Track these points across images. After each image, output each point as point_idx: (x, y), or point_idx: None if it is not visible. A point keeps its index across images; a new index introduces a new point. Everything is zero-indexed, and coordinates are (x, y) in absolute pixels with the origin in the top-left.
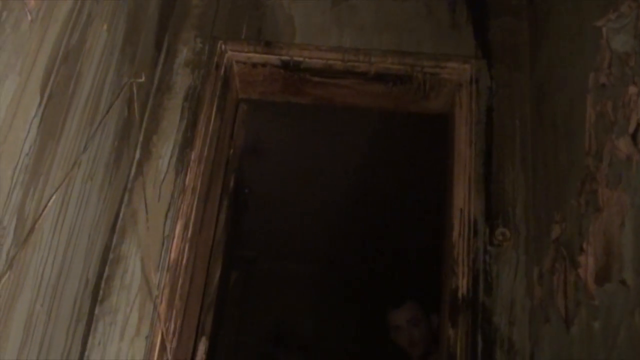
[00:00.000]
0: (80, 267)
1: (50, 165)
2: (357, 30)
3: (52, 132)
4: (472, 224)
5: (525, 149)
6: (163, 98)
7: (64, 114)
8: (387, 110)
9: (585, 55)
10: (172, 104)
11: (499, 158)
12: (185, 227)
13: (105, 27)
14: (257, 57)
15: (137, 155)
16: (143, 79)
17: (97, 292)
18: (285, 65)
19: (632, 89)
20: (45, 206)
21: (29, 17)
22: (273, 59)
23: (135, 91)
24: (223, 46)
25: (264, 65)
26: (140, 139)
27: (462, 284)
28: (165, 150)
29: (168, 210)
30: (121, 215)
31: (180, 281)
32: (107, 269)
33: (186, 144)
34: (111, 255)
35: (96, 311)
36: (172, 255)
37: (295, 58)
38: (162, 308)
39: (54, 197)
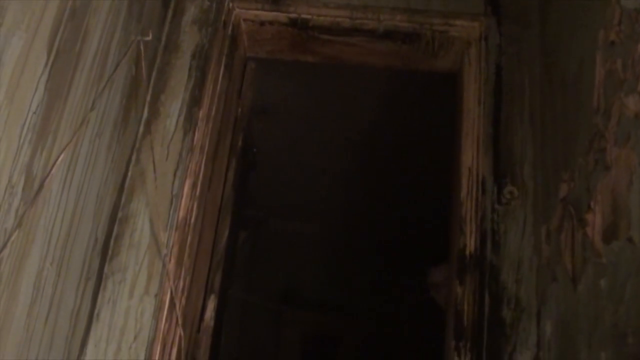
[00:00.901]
0: (89, 226)
1: (58, 124)
2: None
3: (59, 90)
4: (481, 182)
5: (534, 107)
6: (171, 56)
7: (71, 72)
8: (395, 69)
9: (595, 13)
10: (179, 63)
11: (508, 117)
12: (194, 185)
13: None
14: (264, 15)
15: (145, 114)
16: (150, 37)
17: (106, 251)
18: (293, 22)
19: None
20: (54, 165)
21: None
22: (281, 16)
23: (142, 49)
24: (231, 4)
25: (271, 23)
26: (148, 97)
27: (470, 242)
28: (173, 109)
29: (176, 169)
30: (129, 174)
31: (189, 239)
32: (116, 227)
33: (194, 102)
34: (120, 214)
35: (105, 269)
36: (181, 214)
37: (303, 15)
38: (171, 266)
39: (62, 156)
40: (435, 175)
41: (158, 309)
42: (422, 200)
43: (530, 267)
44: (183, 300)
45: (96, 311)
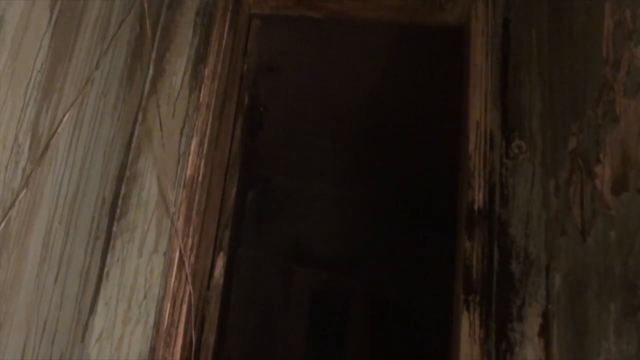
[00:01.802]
0: (97, 185)
1: (63, 83)
2: None
3: (63, 48)
4: (489, 137)
5: (542, 60)
6: (175, 14)
7: (74, 30)
8: (402, 23)
9: None
10: (184, 20)
11: (516, 70)
12: (201, 143)
13: None
14: None
15: (151, 72)
16: None
17: (115, 210)
18: None
19: None
20: (60, 123)
21: None
22: None
23: (146, 7)
24: None
25: None
26: (153, 55)
27: (479, 196)
28: (179, 66)
29: (183, 127)
30: (136, 133)
31: (197, 197)
32: (123, 186)
33: (199, 60)
34: (127, 173)
35: (114, 228)
36: (188, 172)
37: None
38: (180, 224)
39: (67, 115)
40: (443, 131)
41: (167, 266)
42: (431, 157)
43: (539, 220)
44: (192, 258)
45: (106, 270)
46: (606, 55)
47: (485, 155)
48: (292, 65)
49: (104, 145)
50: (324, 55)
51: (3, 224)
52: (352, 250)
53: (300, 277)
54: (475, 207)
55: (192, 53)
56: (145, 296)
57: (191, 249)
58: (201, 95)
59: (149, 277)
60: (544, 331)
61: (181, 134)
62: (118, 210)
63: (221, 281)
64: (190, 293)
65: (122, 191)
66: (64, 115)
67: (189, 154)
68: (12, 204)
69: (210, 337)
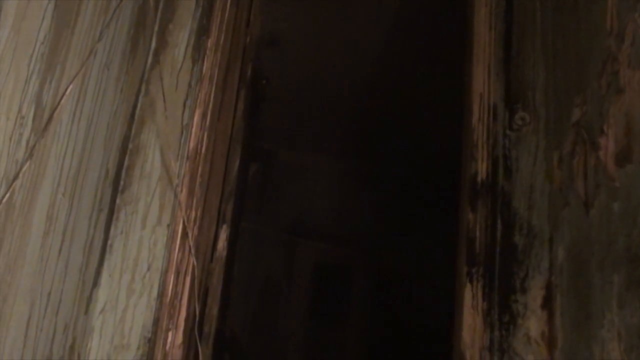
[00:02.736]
0: (100, 158)
1: (66, 55)
2: None
3: (66, 20)
4: (492, 108)
5: (546, 31)
6: None
7: (77, 1)
8: None
9: None
10: None
11: (519, 41)
12: (204, 115)
13: None
14: None
15: (153, 44)
16: None
17: (118, 182)
18: None
19: None
20: (63, 95)
21: None
22: None
23: None
24: None
25: None
26: (156, 27)
27: (482, 168)
28: (182, 38)
29: (186, 99)
30: (139, 105)
31: (200, 169)
32: (127, 158)
33: (202, 31)
34: (130, 145)
35: (117, 201)
36: (191, 144)
37: None
38: (183, 196)
39: (71, 87)
40: (446, 103)
41: (171, 239)
42: (434, 130)
43: (542, 192)
44: (195, 230)
45: (109, 242)
46: (610, 26)
47: (489, 127)
48: (295, 37)
49: (107, 117)
50: (326, 27)
51: (7, 195)
52: (355, 223)
53: (302, 250)
54: (479, 179)
55: (194, 25)
56: (148, 268)
57: (194, 221)
58: (204, 68)
59: (152, 249)
60: (547, 303)
61: (184, 106)
62: (121, 183)
63: (224, 253)
64: (193, 265)
65: (126, 163)
66: (67, 87)
67: (192, 126)
68: (16, 176)
69: (213, 309)
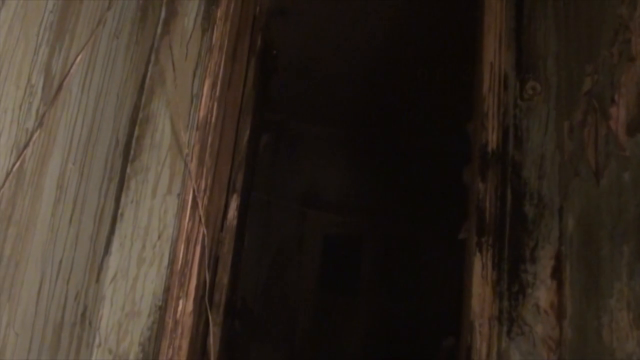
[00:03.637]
0: (110, 127)
1: (75, 23)
2: None
3: None
4: (503, 78)
5: (558, 0)
6: None
7: None
8: None
9: None
10: None
11: (530, 10)
12: (213, 85)
13: None
14: None
15: (163, 14)
16: None
17: (128, 152)
18: None
19: None
20: (72, 64)
21: None
22: None
23: None
24: None
25: None
26: None
27: (492, 138)
28: (191, 7)
29: (196, 68)
30: (149, 74)
31: (210, 139)
32: (137, 128)
33: (212, 0)
34: (140, 115)
35: (128, 170)
36: (201, 114)
37: None
38: (193, 166)
39: (80, 56)
40: (457, 72)
41: (181, 208)
42: (446, 100)
43: (553, 162)
44: (205, 200)
45: (120, 211)
46: None
47: (499, 97)
48: (305, 7)
49: (117, 87)
50: None
51: (18, 163)
52: (366, 193)
53: (313, 220)
54: (489, 148)
55: None
56: (159, 237)
57: (204, 190)
58: (214, 37)
59: (162, 218)
60: (557, 273)
61: (194, 75)
62: (132, 152)
63: (235, 223)
64: (203, 234)
65: (136, 133)
66: (76, 56)
67: (202, 95)
68: (27, 144)
69: (224, 278)
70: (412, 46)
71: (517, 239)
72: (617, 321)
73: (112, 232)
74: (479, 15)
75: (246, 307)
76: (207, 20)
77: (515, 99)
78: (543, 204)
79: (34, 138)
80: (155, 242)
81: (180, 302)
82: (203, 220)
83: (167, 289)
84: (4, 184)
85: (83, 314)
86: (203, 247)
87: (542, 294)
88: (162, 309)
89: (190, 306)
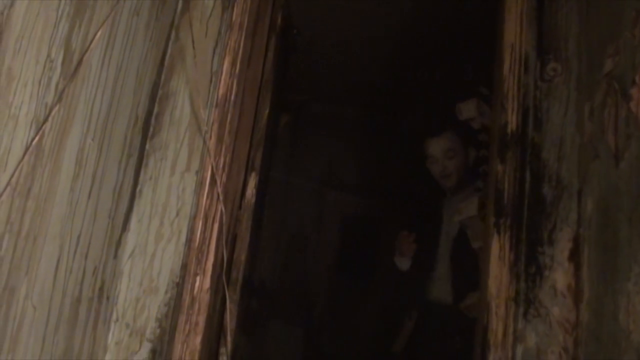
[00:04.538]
0: (130, 104)
1: None
2: None
3: None
4: (523, 59)
5: None
6: None
7: None
8: None
9: None
10: None
11: None
12: (233, 63)
13: None
14: None
15: None
16: None
17: (147, 128)
18: None
19: None
20: (92, 40)
21: None
22: None
23: None
24: None
25: None
26: None
27: (512, 119)
28: None
29: (216, 46)
30: (169, 51)
31: (229, 117)
32: (156, 105)
33: None
34: (160, 92)
35: (147, 147)
36: (221, 91)
37: None
38: (212, 143)
39: (100, 32)
40: (478, 53)
41: (199, 185)
42: (465, 81)
43: (573, 144)
44: (224, 177)
45: (138, 188)
46: None
47: (520, 78)
48: None
49: (137, 64)
50: None
51: (37, 138)
52: (385, 175)
53: (331, 200)
54: (509, 130)
55: None
56: (177, 214)
57: (223, 168)
58: (234, 14)
59: (181, 196)
60: (574, 256)
61: (213, 53)
62: (151, 129)
63: (253, 201)
64: (221, 211)
65: (155, 110)
66: (96, 32)
67: (222, 73)
68: (46, 119)
69: (241, 256)
70: (432, 27)
71: (535, 221)
72: (634, 304)
73: (130, 208)
74: None
75: (264, 286)
76: None
77: (536, 80)
78: (562, 186)
79: (53, 113)
80: (173, 219)
81: (198, 278)
82: (221, 197)
83: (184, 266)
84: (22, 158)
85: (101, 289)
86: (221, 225)
87: (560, 276)
88: (180, 285)
89: (207, 283)
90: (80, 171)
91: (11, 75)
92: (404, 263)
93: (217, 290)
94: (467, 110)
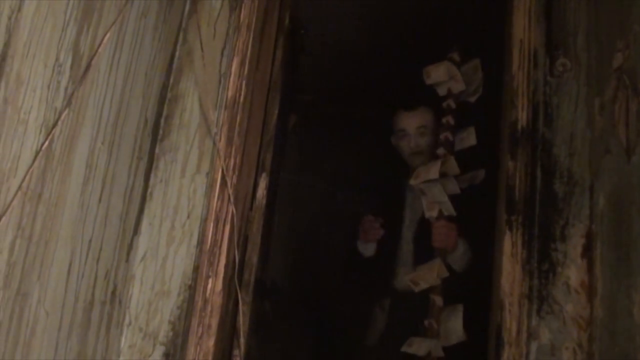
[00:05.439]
0: (139, 106)
1: (103, 2)
2: None
3: None
4: (532, 55)
5: None
6: None
7: None
8: None
9: None
10: None
11: None
12: (242, 64)
13: None
14: None
15: None
16: None
17: (157, 131)
18: None
19: None
20: (100, 43)
21: None
22: None
23: None
24: None
25: None
26: None
27: (522, 116)
28: None
29: (224, 47)
30: (177, 54)
31: (239, 118)
32: (165, 108)
33: None
34: (169, 94)
35: (157, 149)
36: (230, 93)
37: None
38: (222, 145)
39: (108, 35)
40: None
41: (210, 187)
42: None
43: (583, 140)
44: (234, 179)
45: (149, 190)
46: None
47: (529, 74)
48: None
49: (145, 66)
50: None
51: (47, 142)
52: (396, 175)
53: (342, 201)
54: (519, 126)
55: None
56: (188, 216)
57: (233, 169)
58: (241, 16)
59: (192, 197)
60: (587, 252)
61: (222, 54)
62: (160, 131)
63: (264, 202)
64: (232, 213)
65: (164, 112)
66: (104, 35)
67: (230, 74)
68: (55, 123)
69: (253, 257)
70: (441, 21)
71: (547, 218)
72: None
73: (141, 211)
74: None
75: (276, 287)
76: None
77: (545, 76)
78: (573, 181)
79: (62, 117)
80: (185, 222)
81: (210, 281)
82: (232, 199)
83: (196, 268)
84: (33, 163)
85: (113, 293)
86: (232, 226)
87: (573, 273)
88: (192, 287)
89: (219, 285)
90: (90, 175)
91: (20, 80)
92: (368, 249)
93: (229, 292)
94: (436, 73)
